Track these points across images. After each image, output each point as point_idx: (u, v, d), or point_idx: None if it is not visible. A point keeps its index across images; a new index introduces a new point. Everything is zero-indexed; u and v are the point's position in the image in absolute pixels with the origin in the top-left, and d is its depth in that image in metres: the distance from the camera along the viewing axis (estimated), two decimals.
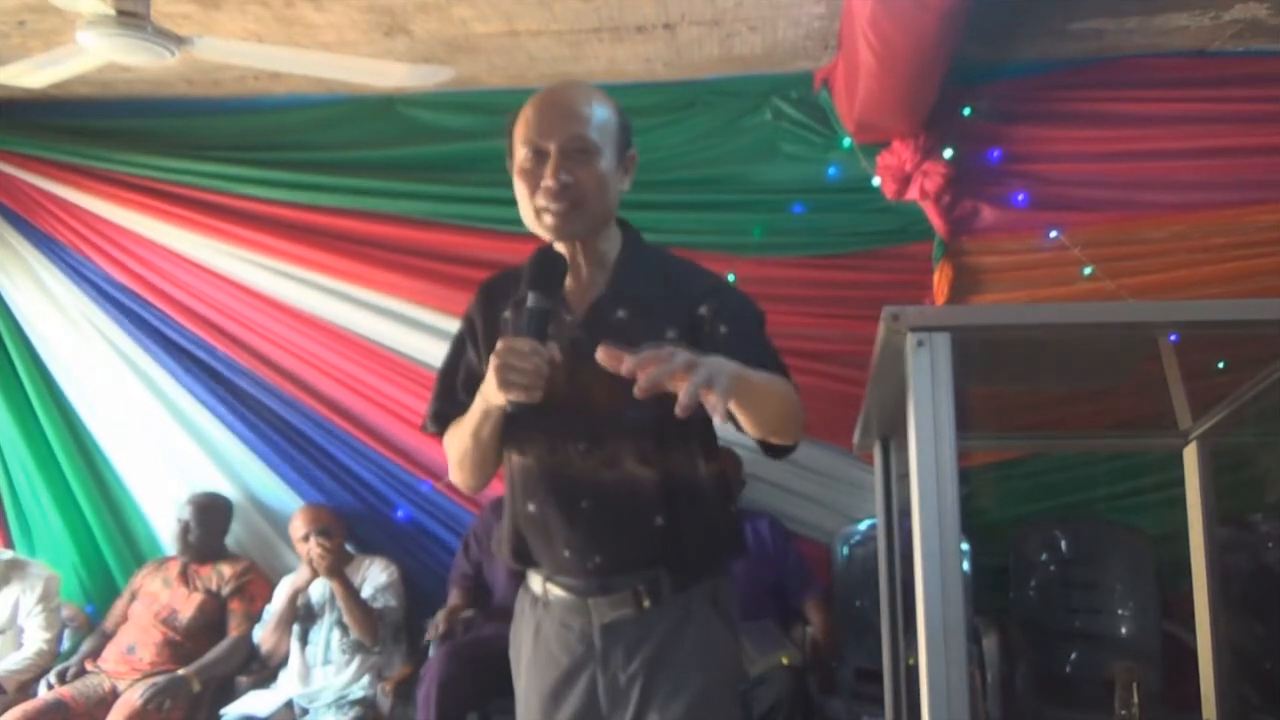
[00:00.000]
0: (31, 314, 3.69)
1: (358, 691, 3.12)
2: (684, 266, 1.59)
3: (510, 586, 2.69)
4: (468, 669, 2.89)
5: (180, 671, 3.11)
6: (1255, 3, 2.95)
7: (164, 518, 3.63)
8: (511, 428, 1.50)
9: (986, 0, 2.70)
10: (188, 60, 2.61)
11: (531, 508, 1.53)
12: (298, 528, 3.29)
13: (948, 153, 3.23)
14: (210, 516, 3.45)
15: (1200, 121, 3.27)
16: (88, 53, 2.46)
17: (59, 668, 3.20)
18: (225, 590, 3.36)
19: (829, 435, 3.32)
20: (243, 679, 3.22)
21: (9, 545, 3.65)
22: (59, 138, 3.58)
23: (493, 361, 1.35)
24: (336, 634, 3.20)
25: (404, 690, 3.13)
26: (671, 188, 3.48)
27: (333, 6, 2.89)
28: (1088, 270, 3.28)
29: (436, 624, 3.07)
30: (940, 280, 3.32)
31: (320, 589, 3.26)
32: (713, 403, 1.18)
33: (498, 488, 1.64)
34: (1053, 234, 3.29)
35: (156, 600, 3.33)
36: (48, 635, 3.30)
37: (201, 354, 3.62)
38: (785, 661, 2.85)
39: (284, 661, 3.23)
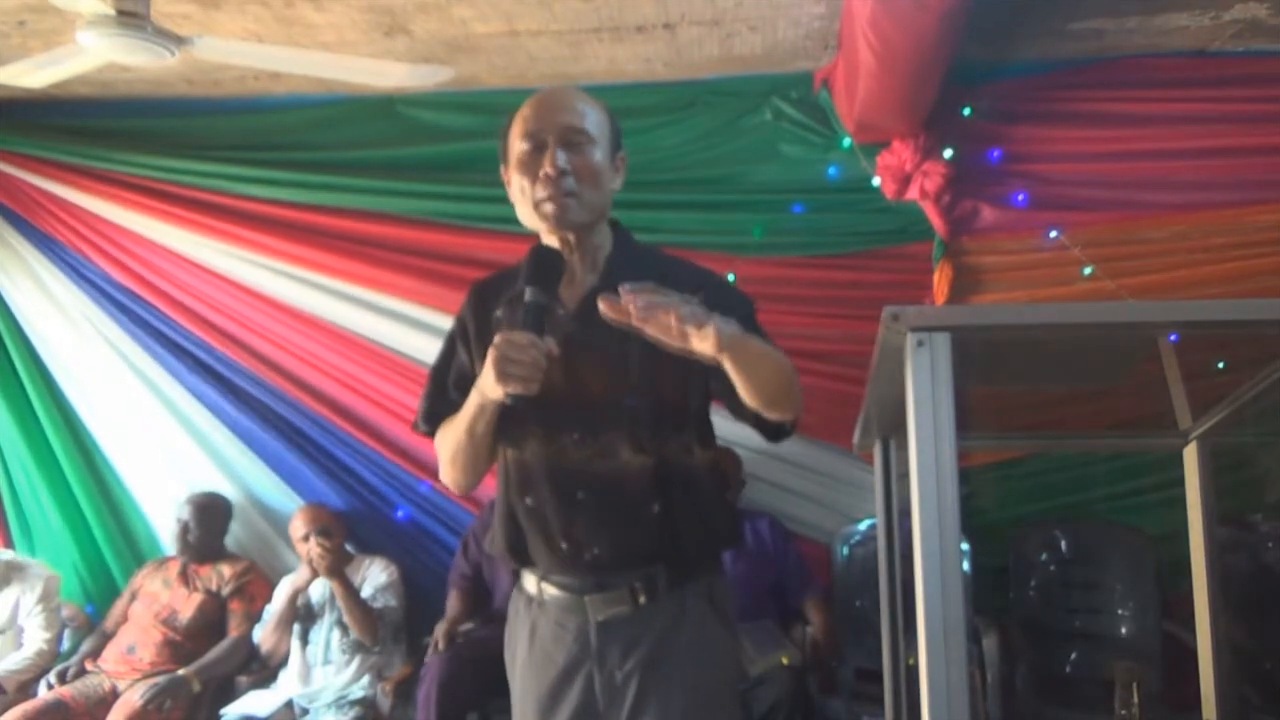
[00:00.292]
0: (31, 314, 3.69)
1: (358, 691, 3.12)
2: (675, 263, 1.63)
3: (511, 587, 2.69)
4: (468, 669, 2.89)
5: (180, 671, 3.11)
6: (1255, 3, 2.95)
7: (164, 518, 3.63)
8: (507, 423, 1.51)
9: (986, 0, 2.70)
10: (188, 60, 2.61)
11: (529, 501, 1.53)
12: (298, 528, 3.29)
13: (948, 153, 3.23)
14: (210, 516, 3.45)
15: (1200, 121, 3.27)
16: (88, 53, 2.46)
17: (59, 668, 3.20)
18: (225, 590, 3.36)
19: (829, 435, 3.32)
20: (243, 679, 3.22)
21: (9, 545, 3.65)
22: (59, 138, 3.58)
23: (491, 354, 1.37)
24: (336, 634, 3.20)
25: (404, 690, 3.13)
26: (671, 188, 3.48)
27: (333, 6, 2.89)
28: (1088, 270, 3.28)
29: (436, 639, 3.05)
30: (940, 280, 3.33)
31: (320, 589, 3.26)
32: (705, 333, 1.23)
33: (491, 485, 1.64)
34: (1053, 234, 3.30)
35: (156, 600, 3.33)
36: (48, 635, 3.30)
37: (201, 354, 3.62)
38: (785, 661, 2.86)
39: (284, 661, 3.23)
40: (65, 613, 3.45)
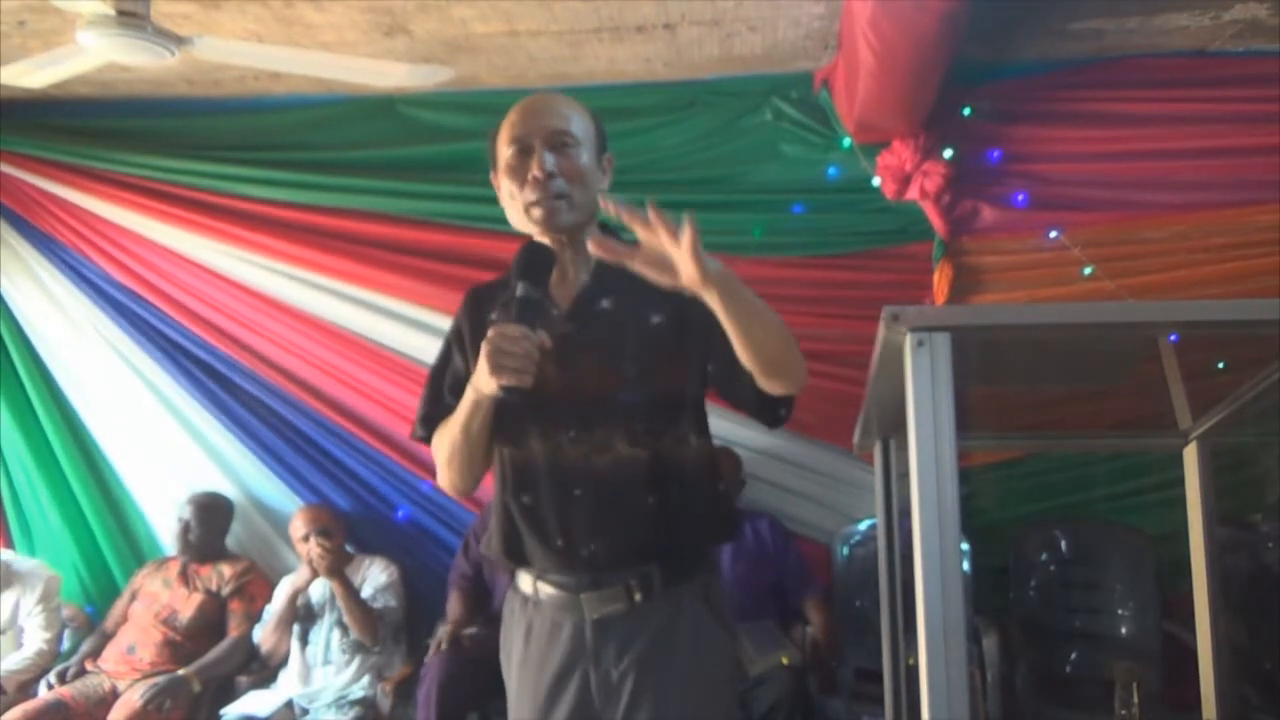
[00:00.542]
0: (32, 314, 3.69)
1: (358, 691, 3.12)
2: None
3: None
4: (468, 669, 2.89)
5: (180, 671, 3.11)
6: (1255, 3, 2.95)
7: (164, 518, 3.63)
8: (502, 421, 1.52)
9: (986, 0, 2.70)
10: (188, 60, 2.61)
11: (525, 500, 1.54)
12: (298, 528, 3.29)
13: (948, 153, 3.23)
14: (210, 516, 3.45)
15: (1200, 121, 3.27)
16: (88, 53, 2.46)
17: (59, 668, 3.20)
18: (225, 590, 3.36)
19: (829, 435, 3.32)
20: (243, 679, 3.22)
21: (9, 545, 3.65)
22: (59, 138, 3.57)
23: (484, 348, 1.39)
24: (336, 634, 3.20)
25: (404, 690, 3.12)
26: (671, 188, 3.48)
27: (333, 6, 2.89)
28: (1088, 270, 3.28)
29: (439, 641, 3.05)
30: (940, 280, 3.33)
31: (320, 589, 3.26)
32: (690, 260, 1.26)
33: (490, 487, 1.64)
34: (1053, 234, 3.30)
35: (157, 600, 3.33)
36: (48, 635, 3.30)
37: (201, 354, 3.62)
38: (785, 661, 2.86)
39: (284, 661, 3.23)
40: (65, 613, 3.44)
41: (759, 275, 3.35)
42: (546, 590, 1.55)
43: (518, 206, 1.54)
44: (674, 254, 1.28)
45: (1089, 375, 1.87)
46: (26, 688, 3.17)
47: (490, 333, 1.39)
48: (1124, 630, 3.23)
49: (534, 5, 2.90)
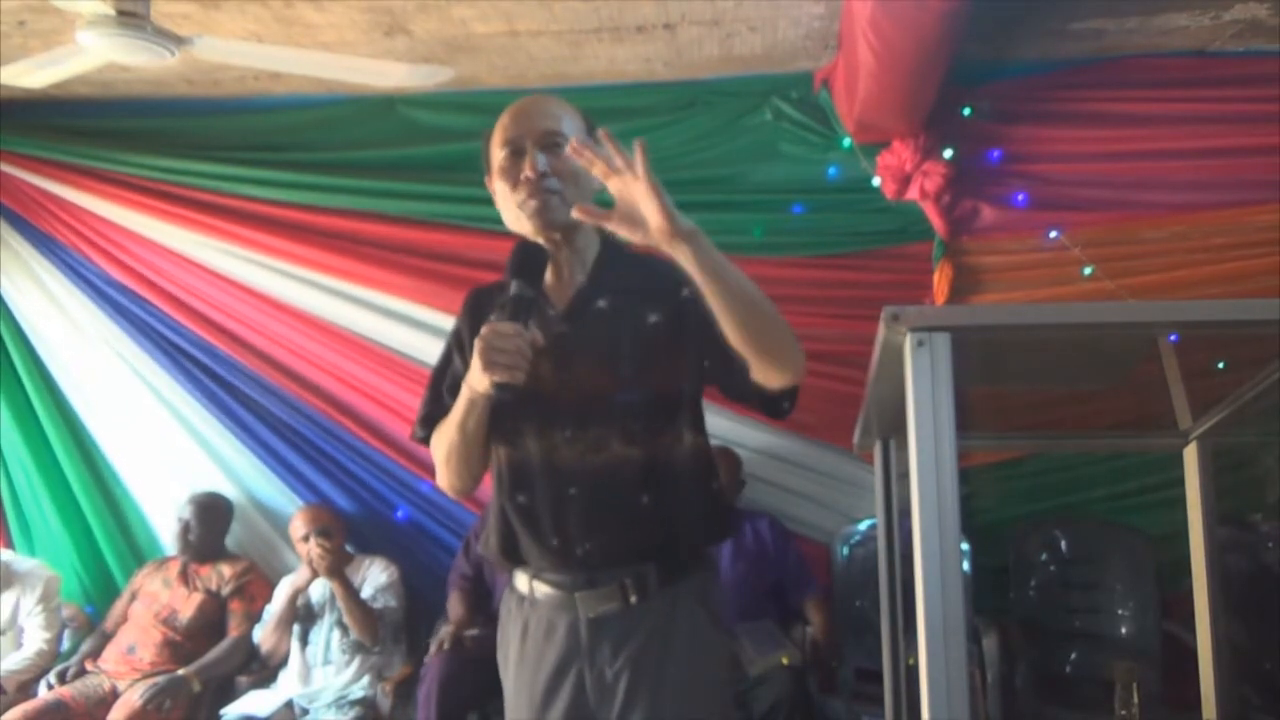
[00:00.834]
0: (32, 314, 3.69)
1: (358, 691, 3.12)
2: (662, 264, 1.62)
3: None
4: (468, 669, 2.89)
5: (180, 671, 3.11)
6: (1255, 3, 2.95)
7: (164, 518, 3.63)
8: (497, 419, 1.52)
9: (986, 0, 2.70)
10: (188, 60, 2.61)
11: (521, 499, 1.54)
12: (297, 528, 3.29)
13: (948, 153, 3.23)
14: (211, 516, 3.45)
15: (1200, 121, 3.27)
16: (88, 53, 2.46)
17: (59, 668, 3.20)
18: (225, 590, 3.36)
19: (829, 435, 3.32)
20: (243, 679, 3.22)
21: (9, 545, 3.65)
22: (59, 138, 3.57)
23: (477, 345, 1.39)
24: (336, 634, 3.20)
25: (404, 690, 3.12)
26: (671, 188, 3.38)
27: (333, 6, 2.89)
28: (1088, 270, 3.28)
29: (441, 640, 3.05)
30: (940, 280, 3.33)
31: (320, 589, 3.26)
32: (659, 210, 1.26)
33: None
34: (1053, 234, 3.30)
35: (156, 600, 3.33)
36: (48, 635, 3.30)
37: (201, 354, 3.62)
38: (785, 661, 2.86)
39: (284, 661, 3.23)
40: (65, 613, 3.45)
41: (759, 275, 3.28)
42: (542, 589, 1.56)
43: (512, 207, 1.55)
44: (639, 199, 1.28)
45: (1089, 375, 1.87)
46: (26, 688, 3.17)
47: (484, 330, 1.40)
48: (1124, 630, 3.23)
49: (534, 5, 2.90)
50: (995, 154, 3.33)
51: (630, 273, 1.58)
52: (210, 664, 3.19)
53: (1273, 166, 3.18)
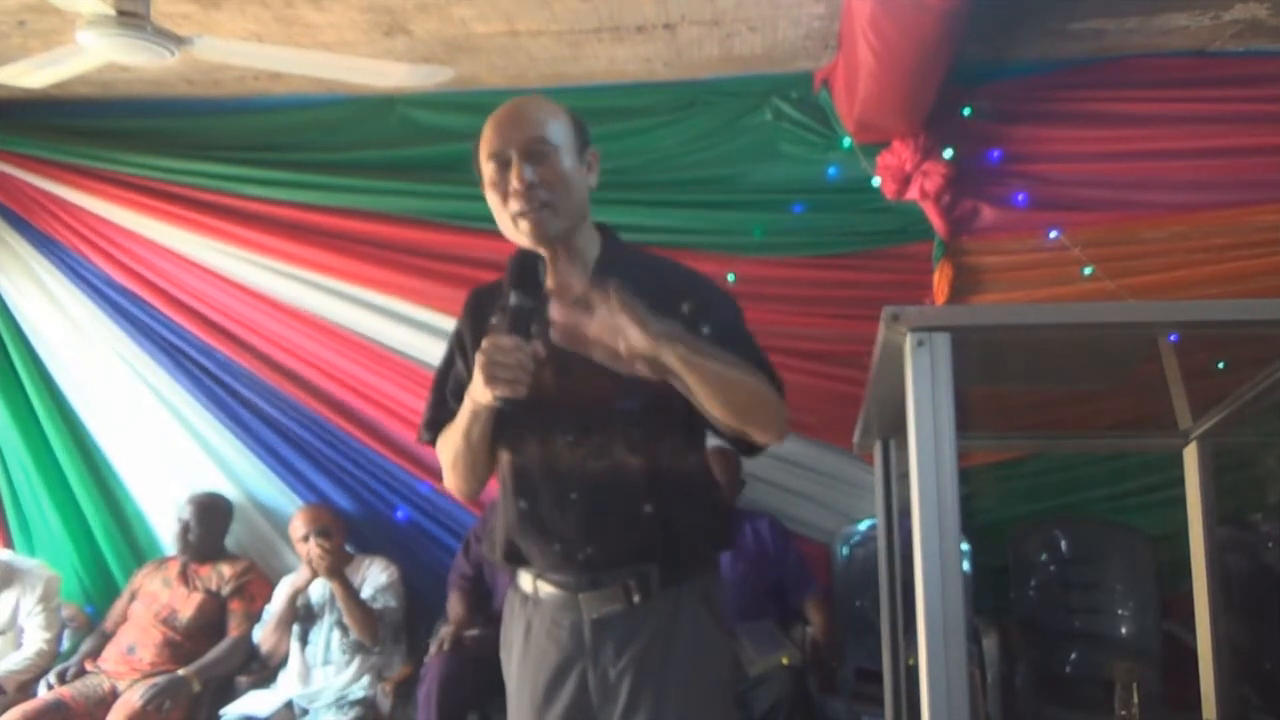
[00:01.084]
0: (31, 314, 3.69)
1: (358, 692, 3.12)
2: (663, 264, 1.64)
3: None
4: (468, 669, 2.89)
5: (180, 671, 3.11)
6: (1255, 3, 2.95)
7: (164, 518, 3.63)
8: (502, 426, 1.52)
9: (986, 0, 2.70)
10: (188, 60, 2.61)
11: (523, 504, 1.55)
12: (297, 528, 3.29)
13: (948, 153, 3.23)
14: (210, 516, 3.45)
15: (1200, 121, 3.27)
16: (88, 53, 2.46)
17: (59, 668, 3.20)
18: (225, 590, 3.36)
19: (829, 435, 3.32)
20: (243, 679, 3.22)
21: (9, 545, 3.65)
22: (59, 138, 3.57)
23: (478, 359, 1.39)
24: (336, 634, 3.20)
25: (404, 690, 3.12)
26: (671, 188, 3.48)
27: (333, 6, 2.89)
28: (1088, 270, 3.28)
29: (441, 640, 3.05)
30: (940, 280, 3.33)
31: (320, 589, 3.26)
32: (636, 336, 1.28)
33: (495, 489, 1.65)
34: (1053, 234, 3.30)
35: (156, 600, 3.33)
36: (48, 635, 3.30)
37: (201, 354, 3.62)
38: (785, 661, 2.86)
39: (284, 662, 3.23)
40: (65, 613, 3.44)
41: (759, 275, 3.36)
42: (546, 589, 1.56)
43: (506, 220, 1.54)
44: (617, 321, 1.31)
45: (1089, 375, 1.87)
46: (26, 688, 3.17)
47: (484, 343, 1.40)
48: (1124, 630, 3.23)
49: (534, 5, 2.90)
50: (995, 154, 3.33)
51: (632, 277, 1.56)
52: (210, 664, 3.19)
53: (1273, 166, 3.18)
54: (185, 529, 3.40)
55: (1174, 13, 3.01)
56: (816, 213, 3.45)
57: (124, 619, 3.36)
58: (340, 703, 3.07)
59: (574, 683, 1.53)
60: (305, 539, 3.21)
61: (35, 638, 3.29)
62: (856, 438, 2.21)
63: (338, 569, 3.13)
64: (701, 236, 3.43)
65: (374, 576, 3.30)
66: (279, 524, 3.55)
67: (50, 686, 3.12)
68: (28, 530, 3.69)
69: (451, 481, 1.62)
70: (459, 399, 1.55)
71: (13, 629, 3.33)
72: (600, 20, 3.01)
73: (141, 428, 3.66)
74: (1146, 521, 3.29)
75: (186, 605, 3.31)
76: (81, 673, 3.21)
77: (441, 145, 3.55)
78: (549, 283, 1.53)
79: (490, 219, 1.60)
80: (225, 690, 3.18)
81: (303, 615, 3.25)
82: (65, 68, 2.64)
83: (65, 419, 3.69)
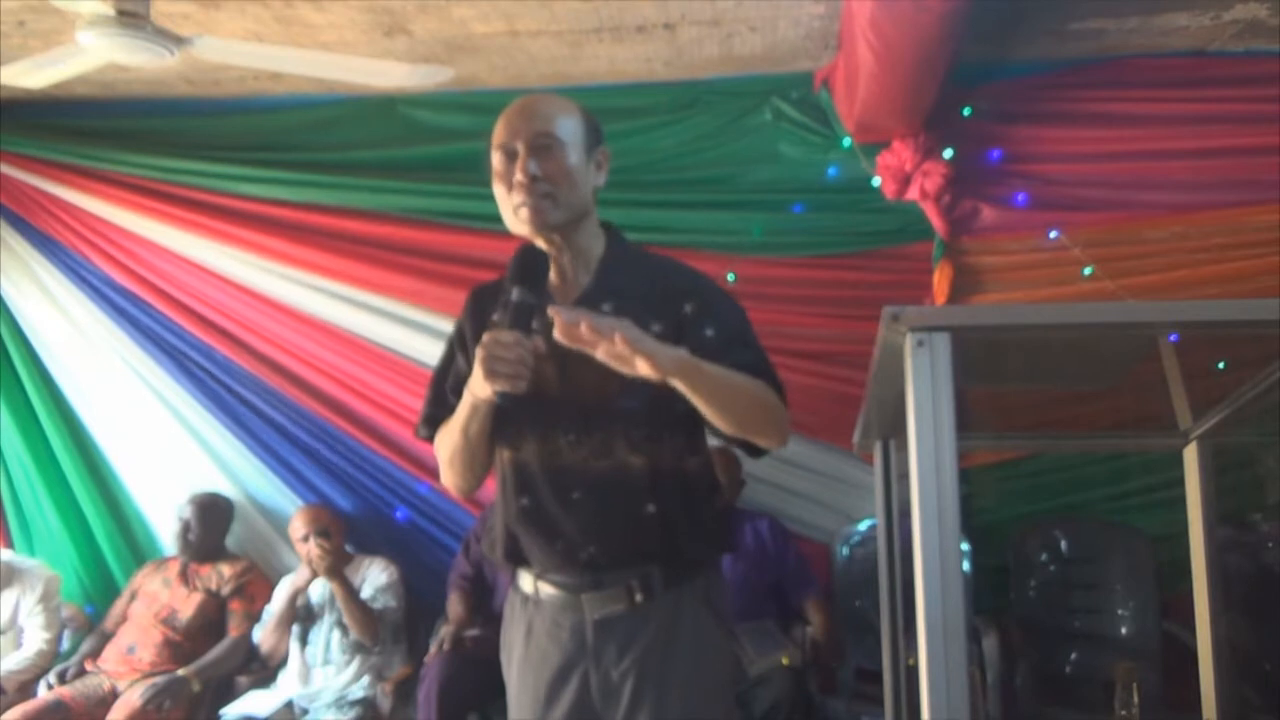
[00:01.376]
0: (32, 315, 3.69)
1: (358, 692, 3.12)
2: (667, 264, 1.64)
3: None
4: (468, 669, 2.89)
5: (180, 671, 3.11)
6: (1255, 3, 2.95)
7: (164, 518, 3.62)
8: (502, 423, 1.53)
9: (986, 0, 2.70)
10: (188, 60, 2.61)
11: (525, 502, 1.54)
12: (297, 528, 3.29)
13: (948, 153, 3.23)
14: (211, 516, 3.45)
15: (1200, 121, 3.27)
16: (88, 53, 2.46)
17: (59, 668, 3.20)
18: (225, 590, 3.36)
19: (829, 435, 3.32)
20: (243, 679, 3.22)
21: (9, 545, 3.65)
22: (59, 138, 3.57)
23: (478, 353, 1.40)
24: (336, 634, 3.20)
25: (404, 690, 3.13)
26: (671, 188, 3.48)
27: (333, 6, 2.89)
28: (1088, 270, 3.28)
29: (442, 639, 3.05)
30: (940, 280, 3.32)
31: (320, 589, 3.26)
32: (644, 360, 1.30)
33: (493, 488, 1.65)
34: (1053, 234, 3.29)
35: (156, 600, 3.33)
36: (48, 635, 3.30)
37: (201, 354, 3.62)
38: (785, 661, 2.86)
39: (284, 662, 3.23)
40: (65, 613, 3.44)
41: (759, 275, 3.36)
42: (547, 590, 1.56)
43: (508, 211, 1.55)
44: (636, 360, 1.32)
45: (1089, 375, 1.87)
46: (26, 688, 3.17)
47: (485, 338, 1.40)
48: (1124, 630, 3.23)
49: (534, 5, 2.90)
50: (995, 154, 3.33)
51: (636, 275, 1.58)
52: (210, 664, 3.19)
53: (1273, 166, 3.18)
54: (185, 529, 3.40)
55: (1174, 13, 3.01)
56: (816, 213, 3.45)
57: (124, 619, 3.36)
58: (340, 703, 3.07)
59: (576, 684, 1.52)
60: (305, 539, 3.21)
61: (35, 638, 3.28)
62: (856, 438, 2.20)
63: (337, 569, 3.13)
64: (701, 236, 3.43)
65: (374, 576, 3.30)
66: (279, 524, 3.55)
67: (50, 686, 3.12)
68: (28, 530, 3.69)
69: (449, 478, 1.62)
70: (458, 396, 1.55)
71: (13, 629, 3.32)
72: (600, 20, 3.01)
73: (141, 428, 3.66)
74: (1147, 521, 3.28)
75: (186, 605, 3.31)
76: (81, 673, 3.21)
77: (441, 145, 3.55)
78: (552, 279, 1.53)
79: (490, 219, 1.60)
80: (225, 690, 3.18)
81: (303, 615, 3.25)
82: (65, 68, 2.64)
83: (65, 419, 3.69)
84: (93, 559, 3.68)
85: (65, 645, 3.42)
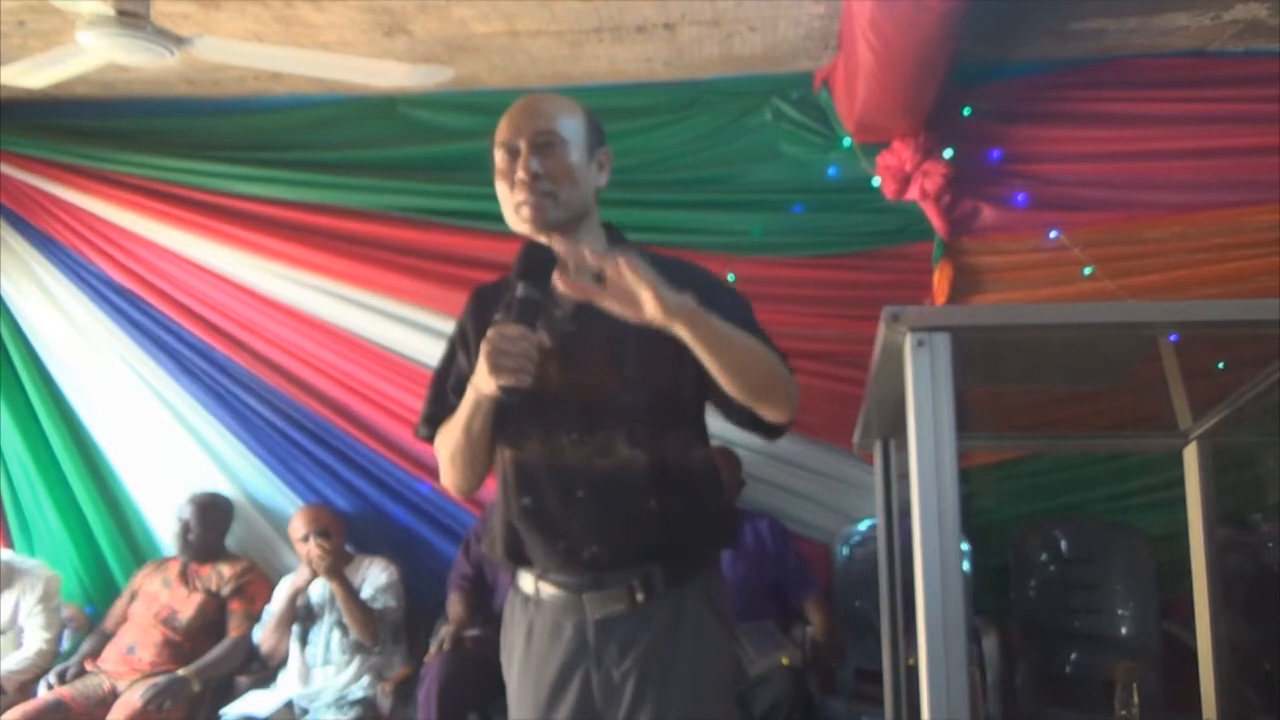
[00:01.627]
0: (32, 315, 3.69)
1: (358, 692, 3.12)
2: (669, 261, 1.64)
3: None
4: (468, 669, 2.89)
5: (180, 672, 3.11)
6: (1255, 3, 2.95)
7: (164, 518, 3.62)
8: (503, 421, 1.52)
9: (986, 0, 2.70)
10: (188, 60, 2.61)
11: (527, 501, 1.54)
12: (297, 528, 3.29)
13: (948, 153, 3.23)
14: (210, 516, 3.45)
15: (1200, 121, 3.27)
16: (88, 53, 2.46)
17: (59, 668, 3.20)
18: (225, 590, 3.36)
19: (829, 435, 3.32)
20: (243, 679, 3.22)
21: (9, 545, 3.65)
22: (59, 138, 3.57)
23: (483, 348, 1.39)
24: (336, 634, 3.20)
25: (404, 690, 3.12)
26: (672, 188, 3.48)
27: (333, 6, 2.89)
28: (1088, 270, 3.28)
29: (442, 639, 3.05)
30: (940, 280, 3.32)
31: (320, 589, 3.26)
32: (651, 297, 1.30)
33: (493, 488, 1.64)
34: (1053, 234, 3.29)
35: (156, 600, 3.33)
36: (48, 635, 3.30)
37: (201, 354, 3.62)
38: (785, 661, 2.86)
39: (284, 662, 3.23)
40: (65, 613, 3.44)
41: (759, 275, 3.36)
42: (548, 590, 1.55)
43: (509, 209, 1.55)
44: (636, 289, 1.32)
45: (1089, 375, 1.87)
46: (26, 688, 3.17)
47: (490, 332, 1.40)
48: (1124, 630, 3.23)
49: (534, 5, 2.90)
50: (995, 154, 3.33)
51: None
52: (210, 664, 3.19)
53: (1273, 166, 3.18)
54: (185, 529, 3.40)
55: (1174, 13, 3.01)
56: (816, 213, 3.45)
57: (124, 619, 3.36)
58: (340, 703, 3.07)
59: (578, 685, 1.52)
60: (305, 539, 3.21)
61: (35, 638, 3.28)
62: (856, 438, 2.21)
63: (337, 569, 3.13)
64: (701, 236, 3.43)
65: (374, 576, 3.30)
66: (279, 524, 3.54)
67: (50, 686, 3.12)
68: (28, 530, 3.69)
69: (449, 477, 1.62)
70: (459, 395, 1.54)
71: (13, 629, 3.32)
72: (600, 20, 3.01)
73: (141, 428, 3.66)
74: (1147, 521, 3.28)
75: (186, 605, 3.31)
76: (81, 673, 3.21)
77: (441, 145, 3.55)
78: (555, 277, 1.53)
79: (490, 219, 1.60)
80: (225, 690, 3.18)
81: (303, 615, 3.25)
82: (65, 68, 2.64)
83: (65, 419, 3.69)
84: (93, 559, 3.68)
85: (65, 645, 3.42)
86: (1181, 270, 3.26)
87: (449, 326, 1.70)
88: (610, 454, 1.50)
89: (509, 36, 3.11)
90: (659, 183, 3.46)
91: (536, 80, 3.44)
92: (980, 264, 3.36)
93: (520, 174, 1.51)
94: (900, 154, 3.23)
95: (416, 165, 3.57)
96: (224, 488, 3.59)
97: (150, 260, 3.62)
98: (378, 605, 3.21)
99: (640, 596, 1.50)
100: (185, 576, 3.38)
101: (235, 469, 3.63)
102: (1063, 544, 3.34)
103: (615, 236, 1.64)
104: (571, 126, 1.55)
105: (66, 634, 3.44)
